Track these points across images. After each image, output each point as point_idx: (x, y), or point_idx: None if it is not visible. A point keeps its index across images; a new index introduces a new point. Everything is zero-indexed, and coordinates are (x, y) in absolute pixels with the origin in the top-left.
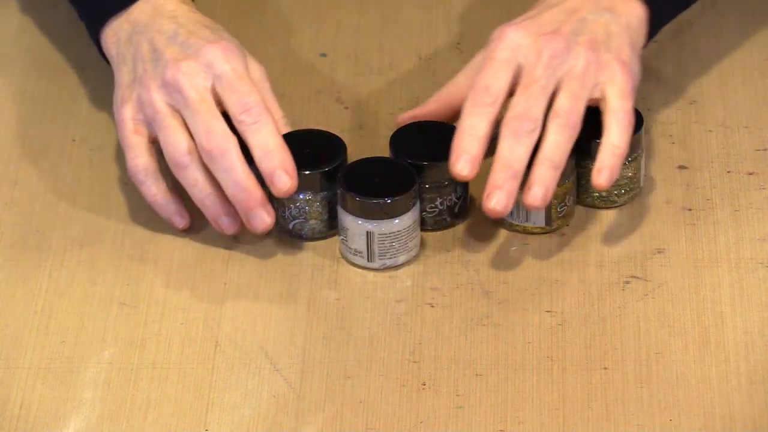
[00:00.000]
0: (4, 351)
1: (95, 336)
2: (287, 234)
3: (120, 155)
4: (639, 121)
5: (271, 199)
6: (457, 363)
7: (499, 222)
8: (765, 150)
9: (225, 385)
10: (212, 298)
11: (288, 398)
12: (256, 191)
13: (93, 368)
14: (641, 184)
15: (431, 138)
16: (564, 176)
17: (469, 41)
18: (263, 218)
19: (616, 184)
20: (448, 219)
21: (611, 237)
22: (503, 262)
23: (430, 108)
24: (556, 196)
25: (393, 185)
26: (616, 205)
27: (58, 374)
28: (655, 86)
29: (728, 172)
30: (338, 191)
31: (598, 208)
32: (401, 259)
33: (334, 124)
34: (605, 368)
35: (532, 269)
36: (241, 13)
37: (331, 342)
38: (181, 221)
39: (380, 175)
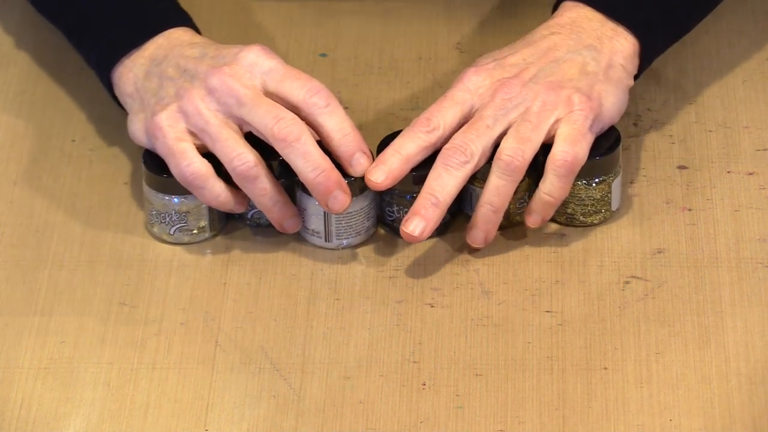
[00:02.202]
0: (4, 351)
1: (95, 336)
2: (246, 223)
3: (120, 155)
4: (616, 140)
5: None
6: (457, 363)
7: (461, 220)
8: (765, 150)
9: (225, 385)
10: (212, 298)
11: (288, 398)
12: (335, 172)
13: (93, 368)
14: (612, 207)
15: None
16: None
17: (469, 41)
18: (343, 198)
19: (581, 204)
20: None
21: (611, 237)
22: (503, 262)
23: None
24: (515, 191)
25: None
26: (584, 225)
27: (58, 374)
28: (655, 86)
29: (728, 172)
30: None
31: (562, 225)
32: (358, 239)
33: None
34: (605, 368)
35: (532, 269)
36: (241, 14)
37: (331, 342)
38: (242, 208)
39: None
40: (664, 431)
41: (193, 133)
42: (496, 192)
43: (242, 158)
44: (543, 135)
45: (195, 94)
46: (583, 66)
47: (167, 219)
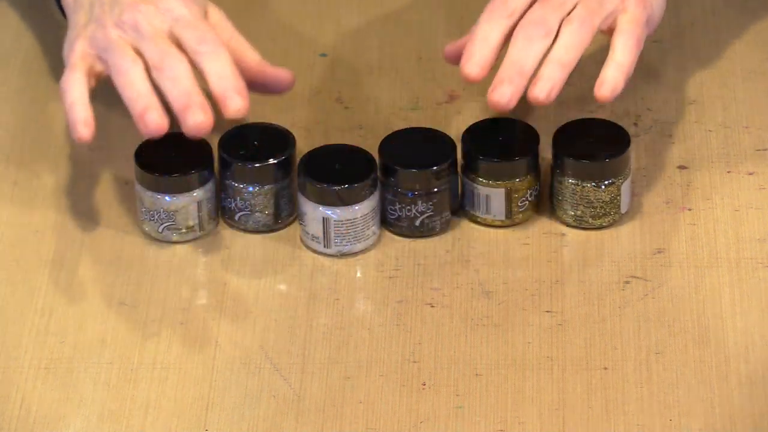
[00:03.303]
0: (4, 351)
1: (95, 336)
2: (234, 226)
3: (120, 155)
4: (626, 142)
5: (220, 189)
6: (457, 363)
7: (462, 215)
8: (765, 150)
9: (225, 385)
10: (212, 298)
11: (288, 398)
12: (200, 96)
13: (93, 368)
14: (621, 210)
15: (420, 145)
16: (525, 172)
17: None
18: (202, 116)
19: (591, 207)
20: (406, 229)
21: (611, 237)
22: (503, 262)
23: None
24: (517, 190)
25: (352, 173)
26: (593, 227)
27: (58, 374)
28: (655, 86)
29: (728, 172)
30: (298, 175)
31: (572, 227)
32: (358, 246)
33: (334, 124)
34: (605, 368)
35: (532, 269)
36: (241, 13)
37: (331, 342)
38: (85, 130)
39: (341, 162)
40: (664, 431)
41: (99, 58)
42: (566, 47)
43: (123, 54)
44: (603, 16)
45: (108, 22)
46: None
47: (156, 216)
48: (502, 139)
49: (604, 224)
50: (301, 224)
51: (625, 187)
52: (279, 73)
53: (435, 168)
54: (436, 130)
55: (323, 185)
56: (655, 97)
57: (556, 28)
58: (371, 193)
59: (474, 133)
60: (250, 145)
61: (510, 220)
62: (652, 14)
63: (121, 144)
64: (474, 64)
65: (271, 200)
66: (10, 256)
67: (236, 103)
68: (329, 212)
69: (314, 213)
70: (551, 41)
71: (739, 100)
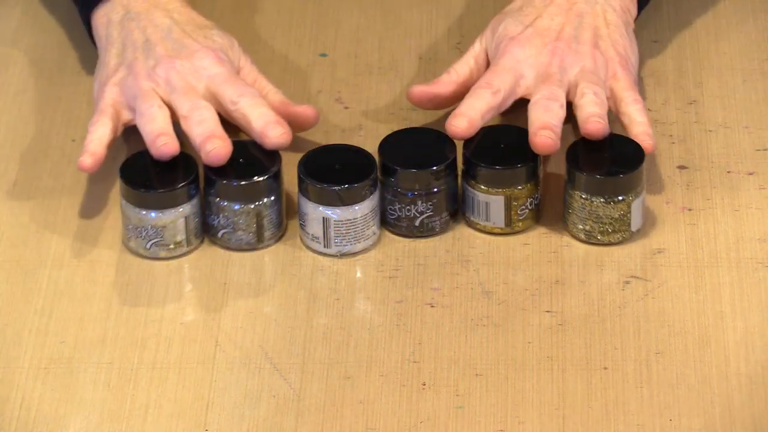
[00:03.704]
0: (4, 351)
1: (95, 336)
2: (217, 243)
3: (120, 155)
4: (639, 159)
5: (203, 206)
6: (457, 363)
7: (463, 222)
8: (765, 150)
9: (225, 385)
10: (212, 298)
11: (288, 398)
12: (222, 132)
13: (93, 368)
14: (632, 228)
15: (420, 146)
16: (525, 180)
17: (469, 41)
18: (221, 144)
19: (599, 222)
20: (405, 229)
21: None
22: (503, 262)
23: (449, 90)
24: (516, 198)
25: (352, 173)
26: (602, 243)
27: (58, 374)
28: (655, 86)
29: (728, 172)
30: (298, 176)
31: (582, 242)
32: (358, 246)
33: (334, 124)
34: (605, 368)
35: (532, 269)
36: (241, 13)
37: (331, 342)
38: (88, 159)
39: (341, 162)
40: (664, 431)
41: (129, 107)
42: (594, 100)
43: (150, 99)
44: (601, 83)
45: (141, 72)
46: (604, 15)
47: (143, 233)
48: (503, 146)
49: (612, 241)
50: (301, 225)
51: (637, 205)
52: (303, 111)
53: (434, 168)
54: (436, 130)
55: (323, 185)
56: (655, 97)
57: (564, 100)
58: (371, 193)
59: (475, 139)
60: (235, 162)
61: (509, 228)
62: (635, 73)
63: (121, 144)
64: (461, 119)
65: (254, 219)
66: (10, 256)
67: (277, 131)
68: (329, 212)
69: (314, 213)
70: (564, 111)
71: (739, 100)
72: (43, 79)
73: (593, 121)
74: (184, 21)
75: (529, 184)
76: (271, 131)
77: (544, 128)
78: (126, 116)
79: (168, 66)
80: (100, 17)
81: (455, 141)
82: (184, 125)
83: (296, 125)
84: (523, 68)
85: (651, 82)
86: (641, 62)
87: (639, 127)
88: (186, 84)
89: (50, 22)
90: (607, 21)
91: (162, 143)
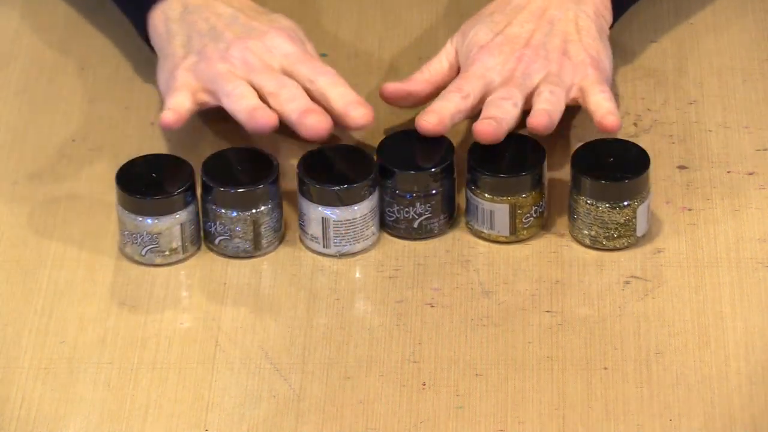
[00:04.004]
0: (4, 351)
1: (95, 336)
2: (214, 250)
3: (120, 155)
4: (645, 165)
5: (201, 213)
6: (457, 363)
7: (467, 231)
8: (765, 150)
9: (225, 385)
10: (212, 298)
11: (288, 398)
12: (316, 106)
13: (93, 368)
14: (637, 234)
15: (419, 147)
16: (530, 188)
17: None
18: (320, 118)
19: (605, 228)
20: (404, 231)
21: None
22: (503, 262)
23: (422, 88)
24: (521, 206)
25: (352, 174)
26: (607, 249)
27: (58, 374)
28: (655, 86)
29: (728, 172)
30: (297, 175)
31: (587, 247)
32: (357, 247)
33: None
34: (605, 368)
35: (532, 269)
36: None
37: (331, 342)
38: (169, 114)
39: (341, 162)
40: (664, 431)
41: (204, 89)
42: (549, 99)
43: (259, 112)
44: (567, 91)
45: (215, 56)
46: (576, 21)
47: (139, 240)
48: (508, 154)
49: (618, 246)
50: (300, 225)
51: (642, 210)
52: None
53: (433, 170)
54: None
55: (322, 186)
56: (655, 97)
57: (520, 104)
58: (370, 193)
59: (480, 147)
60: (233, 169)
61: (515, 236)
62: (609, 76)
63: (122, 144)
64: (432, 115)
65: (251, 227)
66: (10, 256)
67: (360, 112)
68: (328, 212)
69: (313, 213)
70: (518, 113)
71: (739, 100)
72: (43, 79)
73: (538, 114)
74: (246, 8)
75: (533, 192)
76: (353, 111)
77: (488, 118)
78: (201, 97)
79: (242, 47)
80: (157, 16)
81: (452, 143)
82: (274, 103)
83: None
84: (492, 75)
85: (651, 82)
86: (641, 62)
87: (602, 110)
88: (263, 62)
89: (50, 22)
90: (578, 26)
91: (261, 115)
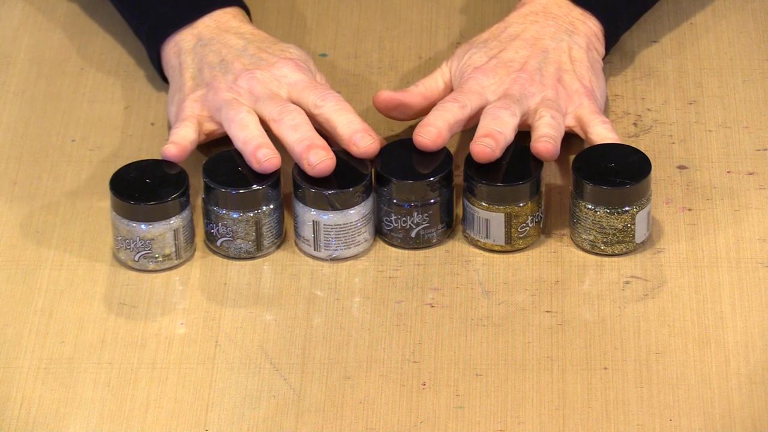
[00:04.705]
0: (4, 351)
1: (95, 336)
2: (216, 252)
3: (120, 155)
4: (646, 171)
5: (202, 215)
6: (457, 363)
7: (463, 239)
8: (765, 150)
9: (225, 385)
10: (212, 298)
11: (288, 398)
12: (320, 139)
13: (93, 368)
14: (636, 239)
15: (417, 157)
16: (526, 197)
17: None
18: (323, 155)
19: (603, 233)
20: (402, 240)
21: None
22: (503, 262)
23: (416, 101)
24: (517, 215)
25: (346, 179)
26: (606, 254)
27: (58, 374)
28: (655, 86)
29: (728, 172)
30: (292, 178)
31: (586, 252)
32: (349, 252)
33: None
34: (605, 368)
35: (532, 269)
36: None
37: (331, 342)
38: (172, 147)
39: (337, 167)
40: (664, 431)
41: (210, 119)
42: (550, 124)
43: (239, 108)
44: (564, 113)
45: (222, 86)
46: (570, 52)
47: (132, 245)
48: (505, 162)
49: (616, 252)
50: (294, 227)
51: (642, 217)
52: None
53: (431, 179)
54: None
55: (314, 189)
56: (655, 97)
57: (519, 116)
58: (363, 199)
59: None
60: (234, 171)
61: (510, 246)
62: (601, 107)
63: (122, 144)
64: (429, 130)
65: (253, 227)
66: (10, 256)
67: (366, 141)
68: (319, 216)
69: (305, 216)
70: (517, 123)
71: (739, 100)
72: (43, 79)
73: (543, 141)
74: (258, 39)
75: (530, 202)
76: (360, 140)
77: (486, 136)
78: (208, 127)
79: (248, 77)
80: (170, 47)
81: (450, 153)
82: (276, 129)
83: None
84: (487, 93)
85: (651, 82)
86: (641, 62)
87: (607, 140)
88: (269, 91)
89: (50, 22)
90: (572, 57)
91: (265, 158)
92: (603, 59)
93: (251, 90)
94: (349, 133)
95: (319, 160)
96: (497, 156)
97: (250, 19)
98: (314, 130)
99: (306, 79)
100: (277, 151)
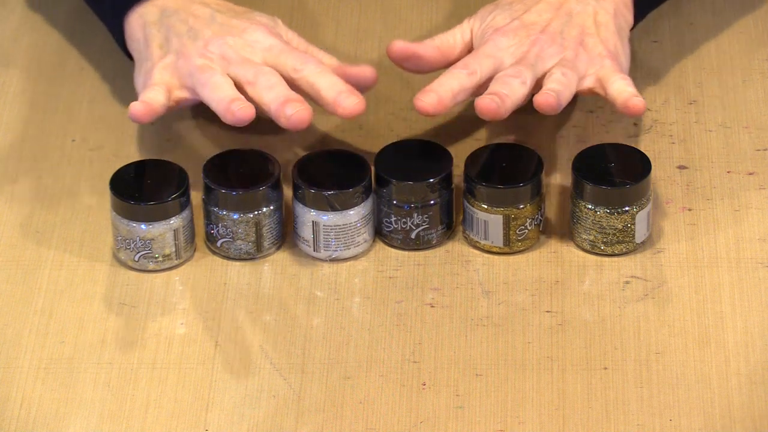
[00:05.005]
0: (4, 351)
1: (95, 336)
2: (217, 252)
3: (120, 155)
4: (645, 171)
5: (203, 216)
6: (457, 363)
7: (463, 240)
8: (765, 150)
9: (225, 385)
10: (212, 298)
11: (288, 398)
12: (295, 94)
13: (93, 368)
14: (636, 239)
15: (417, 158)
16: (526, 199)
17: None
18: (301, 108)
19: (603, 233)
20: (402, 242)
21: None
22: (503, 262)
23: (431, 53)
24: (516, 217)
25: (345, 179)
26: (606, 254)
27: (58, 374)
28: (655, 86)
29: (728, 172)
30: (292, 179)
31: (586, 252)
32: (348, 253)
33: (334, 124)
34: (605, 368)
35: (532, 269)
36: None
37: (331, 342)
38: (139, 106)
39: (336, 168)
40: (664, 431)
41: (182, 86)
42: (559, 80)
43: (236, 104)
44: (579, 78)
45: (193, 53)
46: (595, 16)
47: (132, 245)
48: (506, 164)
49: (616, 252)
50: (294, 227)
51: (642, 217)
52: (361, 71)
53: (431, 180)
54: (433, 142)
55: (314, 190)
56: (655, 97)
57: (530, 83)
58: (363, 200)
59: (477, 157)
60: (235, 171)
61: (508, 248)
62: (624, 64)
63: (122, 144)
64: (431, 95)
65: (253, 228)
66: (10, 256)
67: (352, 101)
68: (318, 216)
69: (304, 216)
70: (526, 91)
71: (739, 100)
72: (43, 79)
73: (546, 93)
74: (225, 9)
75: (530, 205)
76: (345, 100)
77: (492, 94)
78: (178, 94)
79: (220, 42)
80: (134, 20)
81: (450, 154)
82: (252, 92)
83: (356, 87)
84: (503, 56)
85: (651, 82)
86: (641, 62)
87: (625, 93)
88: (242, 56)
89: (50, 22)
90: (597, 21)
91: (238, 108)
92: (631, 29)
93: (223, 55)
94: (333, 94)
95: (295, 110)
96: (502, 115)
97: None
98: (290, 90)
99: (280, 44)
100: (252, 105)
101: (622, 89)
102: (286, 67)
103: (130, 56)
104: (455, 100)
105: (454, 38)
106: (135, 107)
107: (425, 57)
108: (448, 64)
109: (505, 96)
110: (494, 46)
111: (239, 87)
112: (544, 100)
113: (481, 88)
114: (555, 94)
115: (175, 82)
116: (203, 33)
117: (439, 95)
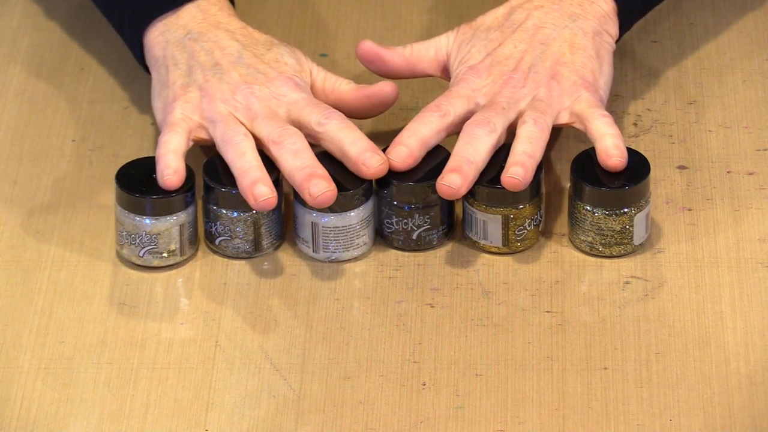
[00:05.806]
0: (4, 351)
1: (95, 336)
2: (215, 251)
3: (120, 155)
4: (644, 173)
5: (202, 214)
6: (457, 363)
7: (463, 239)
8: (765, 150)
9: (225, 385)
10: (212, 298)
11: (288, 398)
12: (321, 168)
13: (93, 368)
14: (635, 241)
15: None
16: (525, 200)
17: None
18: (326, 185)
19: (601, 234)
20: (403, 243)
21: None
22: (503, 262)
23: (395, 60)
24: (516, 218)
25: (346, 181)
26: (604, 255)
27: (58, 374)
28: (655, 86)
29: (728, 172)
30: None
31: (585, 253)
32: (347, 255)
33: None
34: (605, 368)
35: (532, 269)
36: (241, 14)
37: (331, 342)
38: (173, 177)
39: (337, 169)
40: (664, 431)
41: (201, 126)
42: (529, 138)
43: (235, 128)
44: (555, 115)
45: (216, 95)
46: (572, 40)
47: (137, 240)
48: (505, 165)
49: (614, 254)
50: (294, 228)
51: (640, 219)
52: (380, 89)
53: (431, 181)
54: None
55: None
56: (655, 97)
57: (501, 129)
58: (362, 202)
59: None
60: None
61: (507, 248)
62: (603, 97)
63: (122, 144)
64: (400, 151)
65: (252, 227)
66: (10, 256)
67: (376, 160)
68: (317, 218)
69: (304, 217)
70: (496, 138)
71: (739, 100)
72: (43, 79)
73: (512, 169)
74: (250, 43)
75: (529, 205)
76: (369, 160)
77: (453, 171)
78: (198, 134)
79: (247, 92)
80: (155, 36)
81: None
82: (275, 152)
83: (378, 104)
84: (477, 97)
85: (651, 82)
86: (641, 62)
87: (608, 140)
88: (268, 109)
89: (50, 22)
90: (573, 46)
91: (262, 197)
92: (617, 41)
93: (249, 106)
94: (357, 152)
95: (321, 191)
96: (463, 193)
97: (234, 5)
98: (315, 158)
99: (306, 97)
100: (274, 189)
101: (603, 131)
102: (310, 120)
103: (146, 68)
104: (427, 147)
105: (427, 51)
106: (170, 180)
107: (390, 63)
108: (412, 75)
109: (467, 165)
110: (467, 86)
111: (260, 143)
112: (508, 182)
113: (456, 127)
114: (521, 167)
115: (196, 120)
116: (230, 75)
117: (409, 147)
